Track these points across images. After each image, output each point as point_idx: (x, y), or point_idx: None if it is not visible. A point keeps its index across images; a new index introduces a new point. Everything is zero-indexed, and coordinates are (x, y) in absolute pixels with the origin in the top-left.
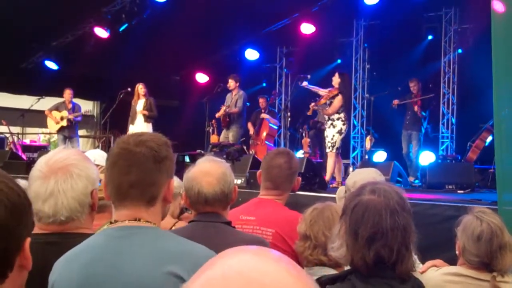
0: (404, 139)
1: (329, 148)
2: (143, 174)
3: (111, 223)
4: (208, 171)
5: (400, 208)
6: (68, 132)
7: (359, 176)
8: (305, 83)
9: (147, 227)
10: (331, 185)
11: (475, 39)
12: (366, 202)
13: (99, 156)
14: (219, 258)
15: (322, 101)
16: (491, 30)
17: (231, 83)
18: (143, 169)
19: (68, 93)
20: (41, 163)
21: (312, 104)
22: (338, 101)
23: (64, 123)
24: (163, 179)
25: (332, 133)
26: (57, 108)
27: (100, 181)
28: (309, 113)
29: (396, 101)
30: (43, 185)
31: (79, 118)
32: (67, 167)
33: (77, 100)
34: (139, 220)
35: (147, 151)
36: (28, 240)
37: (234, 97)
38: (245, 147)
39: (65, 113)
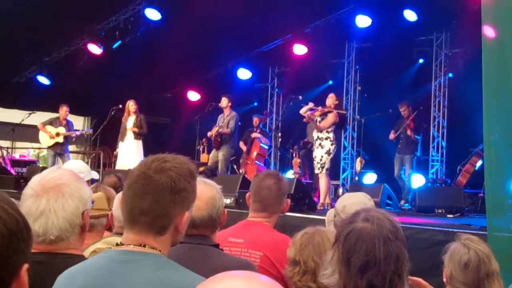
0: (396, 161)
1: (318, 169)
2: (156, 203)
3: (117, 244)
4: (198, 195)
5: (393, 237)
6: (61, 149)
7: (349, 200)
8: (305, 111)
9: (151, 254)
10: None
11: (465, 64)
12: (360, 230)
13: (83, 168)
14: (209, 283)
15: (316, 113)
16: (482, 55)
17: (224, 102)
18: (157, 198)
19: (64, 109)
20: (34, 182)
21: (308, 113)
22: (332, 117)
23: (61, 139)
24: (177, 210)
25: (321, 154)
26: (51, 123)
27: (93, 202)
28: (305, 119)
29: (392, 135)
30: (35, 203)
31: (78, 133)
32: (59, 187)
33: (70, 116)
34: (144, 246)
35: (166, 181)
36: (25, 267)
37: (226, 118)
38: (235, 167)
39: (62, 130)
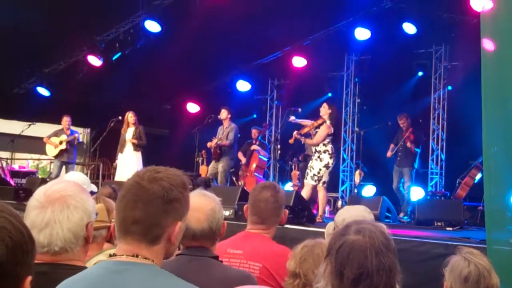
0: (395, 173)
1: (314, 181)
2: (148, 212)
3: (110, 255)
4: (197, 207)
5: (385, 249)
6: (67, 157)
7: (348, 214)
8: (292, 118)
9: (143, 264)
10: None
11: (465, 76)
12: (352, 243)
13: (84, 179)
14: None
15: (306, 129)
16: (481, 67)
17: (224, 114)
18: (149, 207)
19: (65, 120)
20: (40, 193)
21: (295, 132)
22: (323, 130)
23: (63, 146)
24: (169, 220)
25: (319, 167)
26: (55, 134)
27: (96, 214)
28: (291, 141)
29: (389, 153)
30: (40, 214)
31: (78, 136)
32: (64, 198)
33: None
34: (137, 256)
35: (158, 190)
36: (29, 279)
37: (226, 130)
38: (234, 178)
39: (63, 137)
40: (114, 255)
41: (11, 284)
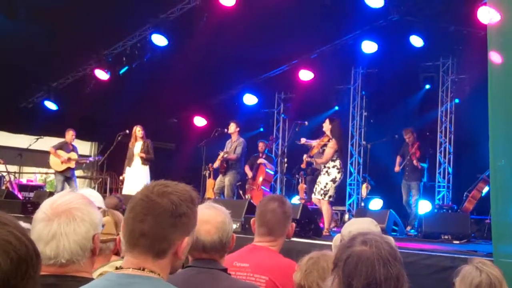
0: (403, 188)
1: (320, 195)
2: (157, 226)
3: (116, 268)
4: (207, 219)
5: (392, 258)
6: (70, 173)
7: (355, 226)
8: (303, 140)
9: (149, 278)
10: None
11: (472, 89)
12: (359, 254)
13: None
14: None
15: (315, 150)
16: (488, 80)
17: (232, 127)
18: (158, 221)
19: (70, 134)
20: (46, 206)
21: (305, 156)
22: (330, 147)
23: (72, 165)
24: (177, 235)
25: (326, 181)
26: (61, 147)
27: (103, 225)
28: (303, 165)
29: (397, 168)
30: (47, 227)
31: (90, 159)
32: (70, 211)
33: (75, 141)
34: (144, 269)
35: (167, 204)
36: None
37: (234, 144)
38: (241, 192)
39: (74, 155)
40: (121, 267)
41: None
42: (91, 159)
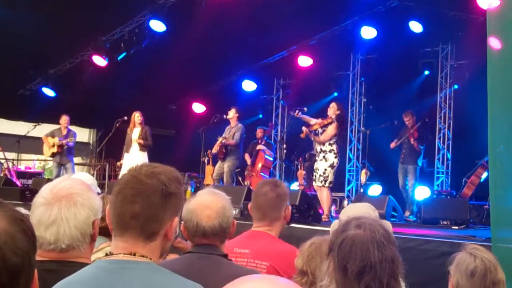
0: (400, 172)
1: (320, 182)
2: (148, 206)
3: (106, 254)
4: (208, 204)
5: (386, 241)
6: (60, 158)
7: (353, 211)
8: (297, 112)
9: (141, 262)
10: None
11: (471, 75)
12: (353, 237)
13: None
14: (232, 285)
15: (315, 126)
16: (487, 66)
17: (232, 112)
18: (148, 202)
19: (64, 119)
20: (46, 190)
21: (305, 128)
22: (332, 129)
23: (55, 149)
24: (167, 215)
25: (324, 167)
26: (52, 134)
27: (103, 211)
28: (302, 135)
29: (393, 144)
30: (47, 212)
31: (71, 144)
32: (71, 196)
33: (73, 128)
34: (134, 254)
35: (157, 184)
36: None
37: (232, 129)
38: (240, 178)
39: (56, 140)
40: (111, 253)
41: None
42: (71, 144)
